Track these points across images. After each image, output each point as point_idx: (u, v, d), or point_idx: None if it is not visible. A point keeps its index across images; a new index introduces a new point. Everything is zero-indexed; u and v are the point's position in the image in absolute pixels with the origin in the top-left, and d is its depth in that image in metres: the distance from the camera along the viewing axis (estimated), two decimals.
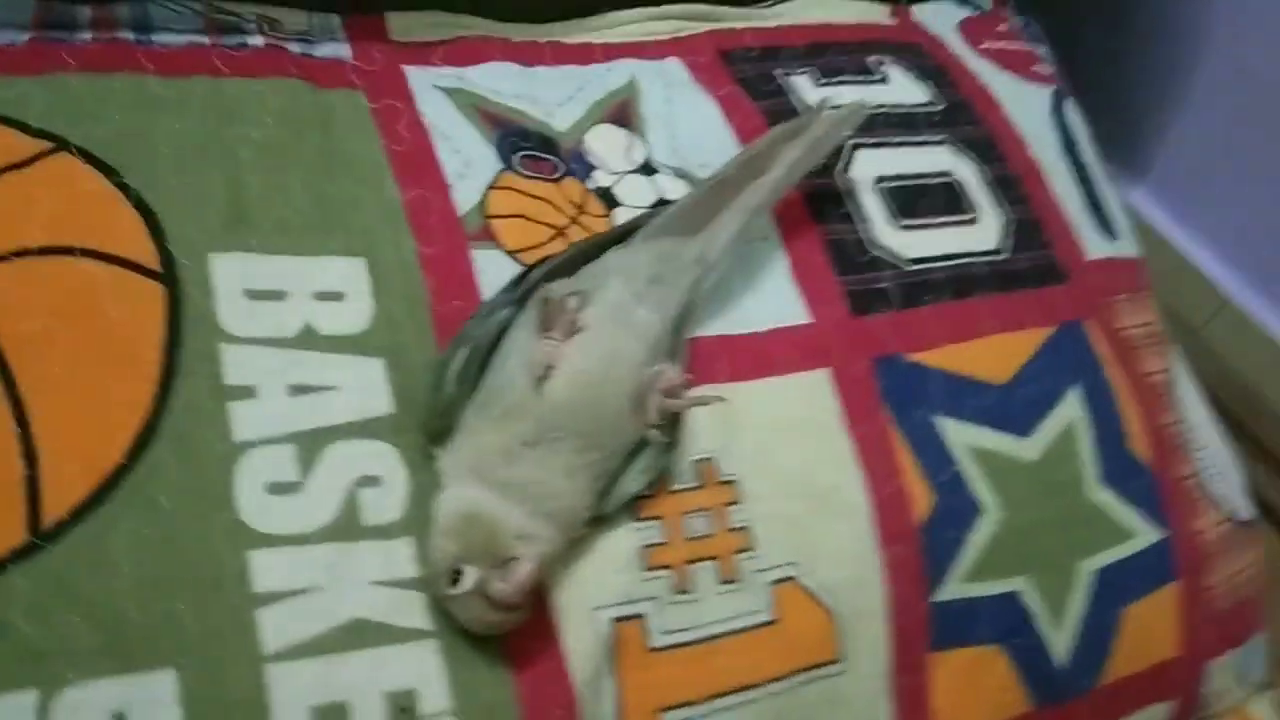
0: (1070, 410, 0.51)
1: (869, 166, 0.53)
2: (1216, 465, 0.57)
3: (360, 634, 0.35)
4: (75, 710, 0.31)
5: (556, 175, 0.47)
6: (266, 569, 0.34)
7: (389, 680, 0.34)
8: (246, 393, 0.37)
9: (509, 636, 0.37)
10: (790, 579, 0.43)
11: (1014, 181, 0.56)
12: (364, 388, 0.39)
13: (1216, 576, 0.52)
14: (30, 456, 0.33)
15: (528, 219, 0.45)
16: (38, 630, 0.31)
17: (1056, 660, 0.47)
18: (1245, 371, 0.77)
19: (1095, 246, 0.57)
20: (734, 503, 0.43)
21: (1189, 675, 0.51)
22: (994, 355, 0.50)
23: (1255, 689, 0.56)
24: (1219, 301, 0.81)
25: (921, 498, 0.46)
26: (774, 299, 0.47)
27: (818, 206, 0.50)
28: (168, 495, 0.34)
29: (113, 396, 0.35)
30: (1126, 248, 0.60)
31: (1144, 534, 0.50)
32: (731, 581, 0.41)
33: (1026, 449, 0.49)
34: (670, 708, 0.39)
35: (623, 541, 0.40)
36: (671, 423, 0.41)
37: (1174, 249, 0.85)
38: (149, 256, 0.38)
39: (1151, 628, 0.50)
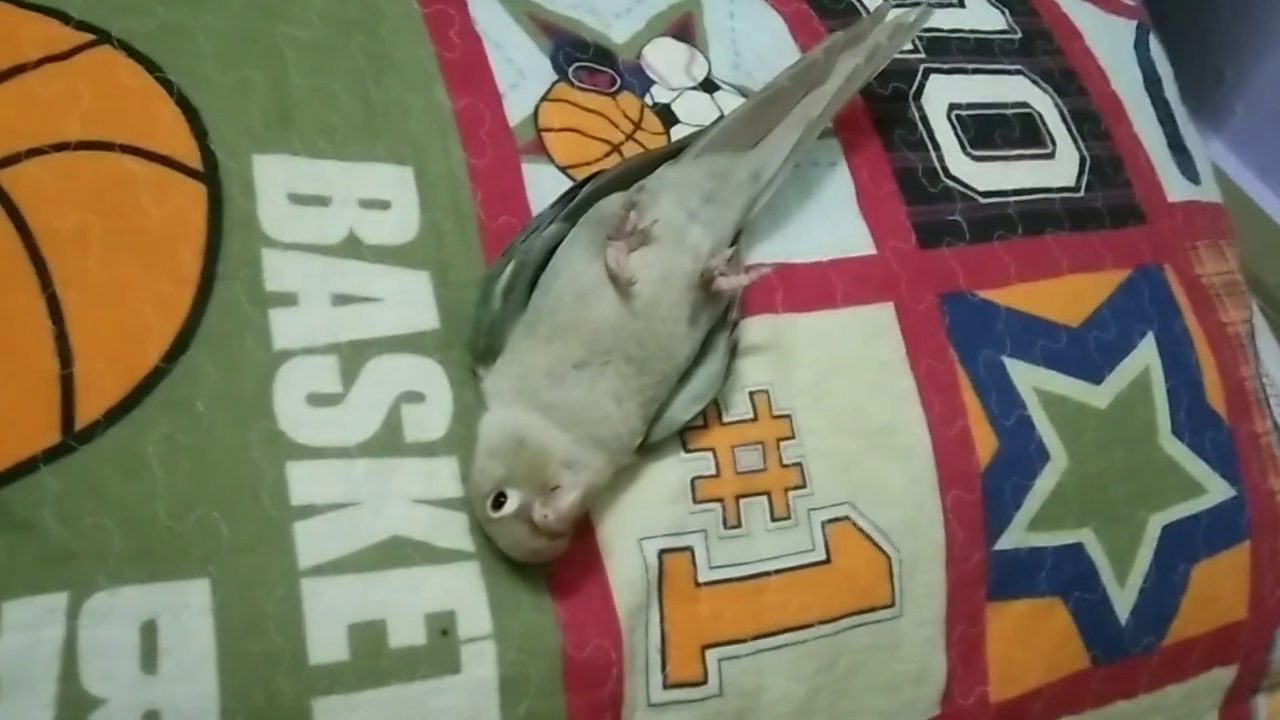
0: (1144, 357, 0.48)
1: (942, 93, 0.50)
2: None
3: (399, 552, 0.33)
4: (105, 615, 0.30)
5: (613, 89, 0.45)
6: (305, 481, 0.33)
7: (428, 600, 0.33)
8: (288, 300, 0.35)
9: (552, 563, 0.35)
10: (844, 519, 0.41)
11: (1094, 116, 0.53)
12: (409, 301, 0.37)
13: None
14: (65, 355, 0.32)
15: (581, 133, 0.43)
16: (68, 532, 0.30)
17: (1119, 617, 0.45)
18: None
19: (1177, 188, 0.54)
20: (788, 438, 0.41)
21: (1256, 640, 0.49)
22: (1067, 296, 0.48)
23: None
24: None
25: (985, 441, 0.44)
26: (837, 227, 0.45)
27: (887, 132, 0.48)
28: (205, 401, 0.33)
29: (151, 298, 0.34)
30: (1209, 192, 0.57)
31: (1216, 490, 0.48)
32: (783, 518, 0.40)
33: (1097, 396, 0.46)
34: (715, 644, 0.38)
35: (672, 472, 0.38)
36: (728, 351, 0.39)
37: (1251, 203, 0.81)
38: (190, 155, 0.36)
39: (1220, 588, 0.47)
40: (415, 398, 0.36)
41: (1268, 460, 0.50)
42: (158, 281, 0.34)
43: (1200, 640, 0.47)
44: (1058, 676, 0.44)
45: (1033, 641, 0.43)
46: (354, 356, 0.35)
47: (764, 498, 0.40)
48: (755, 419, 0.40)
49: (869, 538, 0.41)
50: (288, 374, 0.34)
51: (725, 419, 0.40)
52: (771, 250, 0.43)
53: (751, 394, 0.41)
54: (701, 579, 0.38)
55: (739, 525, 0.39)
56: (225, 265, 0.35)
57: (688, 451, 0.39)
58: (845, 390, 0.43)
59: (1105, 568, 0.45)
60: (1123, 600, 0.45)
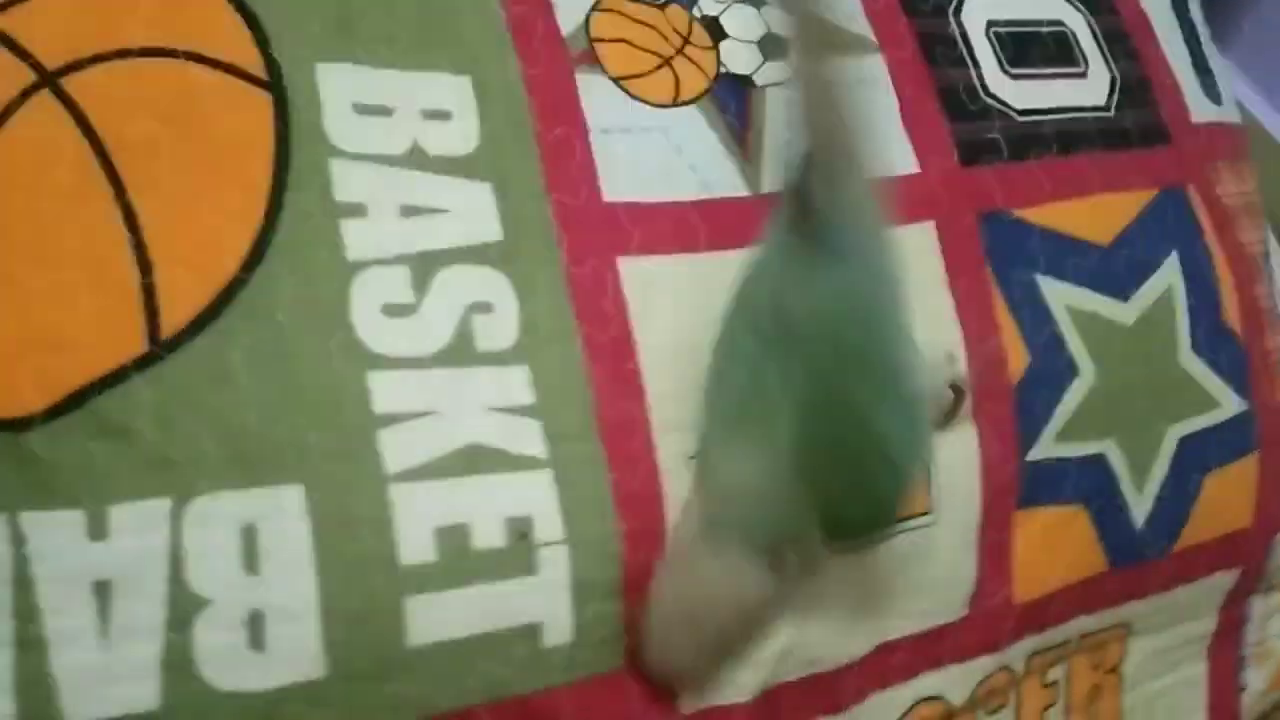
0: (1169, 276, 0.49)
1: (981, 10, 0.50)
2: None
3: (478, 459, 0.34)
4: (207, 519, 0.30)
5: (661, 1, 0.45)
6: (385, 390, 0.34)
7: (507, 505, 0.34)
8: (357, 210, 0.35)
9: (616, 478, 0.36)
10: None
11: (1124, 35, 0.54)
12: (473, 212, 0.37)
13: None
14: (144, 264, 0.32)
15: (632, 45, 0.43)
16: (165, 438, 0.31)
17: (1136, 523, 0.47)
18: None
19: (1201, 109, 0.55)
20: None
21: (1258, 545, 0.51)
22: (1098, 215, 0.49)
23: None
24: None
25: (1019, 356, 0.45)
26: (882, 145, 0.45)
27: (929, 49, 0.48)
28: (284, 311, 0.33)
29: (224, 207, 0.34)
30: (1229, 113, 0.57)
31: (1230, 404, 0.50)
32: None
33: (1124, 312, 0.48)
34: None
35: None
36: None
37: (1255, 123, 0.81)
38: (254, 63, 0.36)
39: (1229, 496, 0.50)
40: (484, 308, 0.36)
41: (1277, 376, 0.52)
42: (229, 191, 0.34)
43: (1208, 545, 0.49)
44: (1077, 579, 0.46)
45: (1056, 547, 0.46)
46: (424, 267, 0.36)
47: None
48: None
49: None
50: (362, 284, 0.35)
51: None
52: None
53: None
54: None
55: None
56: (295, 176, 0.35)
57: None
58: None
59: (1125, 477, 0.47)
60: (1140, 507, 0.47)
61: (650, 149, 0.41)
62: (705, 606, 0.35)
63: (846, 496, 0.35)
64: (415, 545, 0.32)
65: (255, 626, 0.30)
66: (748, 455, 0.34)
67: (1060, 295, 0.46)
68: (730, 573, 0.35)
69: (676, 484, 0.38)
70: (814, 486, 0.34)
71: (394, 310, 0.35)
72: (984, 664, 0.45)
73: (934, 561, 0.43)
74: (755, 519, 0.35)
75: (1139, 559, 0.48)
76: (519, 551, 0.34)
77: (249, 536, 0.31)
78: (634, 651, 0.36)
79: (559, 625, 0.34)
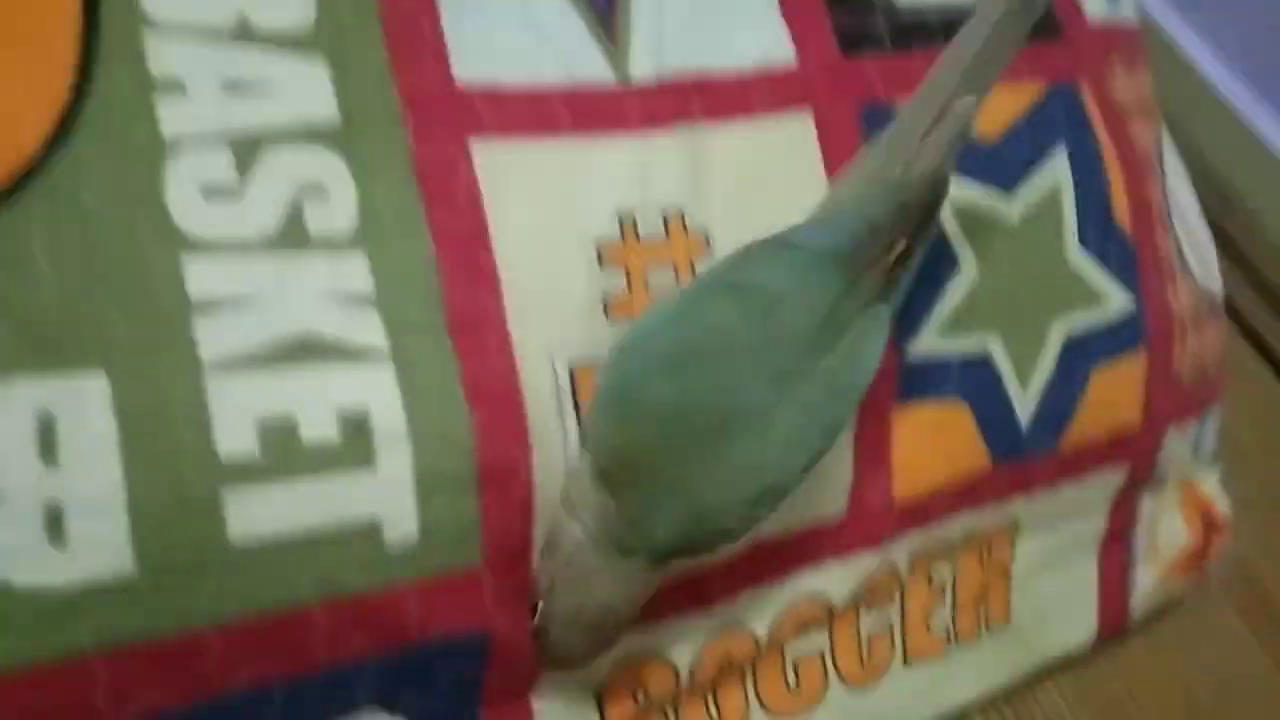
0: (1056, 172, 0.49)
1: None
2: (1193, 240, 0.56)
3: (306, 348, 0.32)
4: None
5: None
6: (203, 275, 0.32)
7: (340, 397, 0.32)
8: (175, 86, 0.33)
9: (466, 369, 0.35)
10: None
11: None
12: (306, 90, 0.35)
13: (1182, 348, 0.52)
14: None
15: None
16: None
17: (1020, 419, 0.47)
18: (1224, 168, 0.76)
19: (1094, 7, 0.54)
20: (701, 256, 0.40)
21: (1147, 441, 0.51)
22: (984, 109, 0.47)
23: (1207, 462, 0.57)
24: (1205, 95, 0.78)
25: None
26: (757, 30, 0.44)
27: None
28: (91, 192, 0.31)
29: (26, 83, 0.31)
30: (1127, 14, 0.56)
31: (1117, 300, 0.49)
32: None
33: (1009, 207, 0.47)
34: None
35: (584, 290, 0.38)
36: None
37: (1161, 31, 0.81)
38: None
39: (1116, 392, 0.49)
40: (317, 191, 0.34)
41: (1167, 274, 0.52)
42: (33, 66, 0.32)
43: (1095, 442, 0.49)
44: (959, 476, 0.46)
45: (937, 443, 0.45)
46: (248, 147, 0.33)
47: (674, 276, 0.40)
48: (668, 238, 0.40)
49: None
50: (178, 163, 0.32)
51: (641, 237, 0.39)
52: (687, 54, 0.42)
53: (664, 212, 0.40)
54: None
55: None
56: (105, 48, 0.32)
57: (600, 269, 0.38)
58: (762, 204, 0.42)
59: (1009, 373, 0.46)
60: (1024, 404, 0.47)
61: (506, 27, 0.39)
62: (601, 612, 0.35)
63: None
64: (234, 437, 0.31)
65: (54, 520, 0.28)
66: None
67: None
68: (624, 580, 0.35)
69: (535, 378, 0.36)
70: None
71: (213, 192, 0.33)
72: (866, 561, 0.44)
73: None
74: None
75: (1024, 455, 0.47)
76: (354, 445, 0.32)
77: (46, 425, 0.29)
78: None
79: (402, 522, 0.33)
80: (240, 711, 0.31)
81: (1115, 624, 0.54)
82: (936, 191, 0.37)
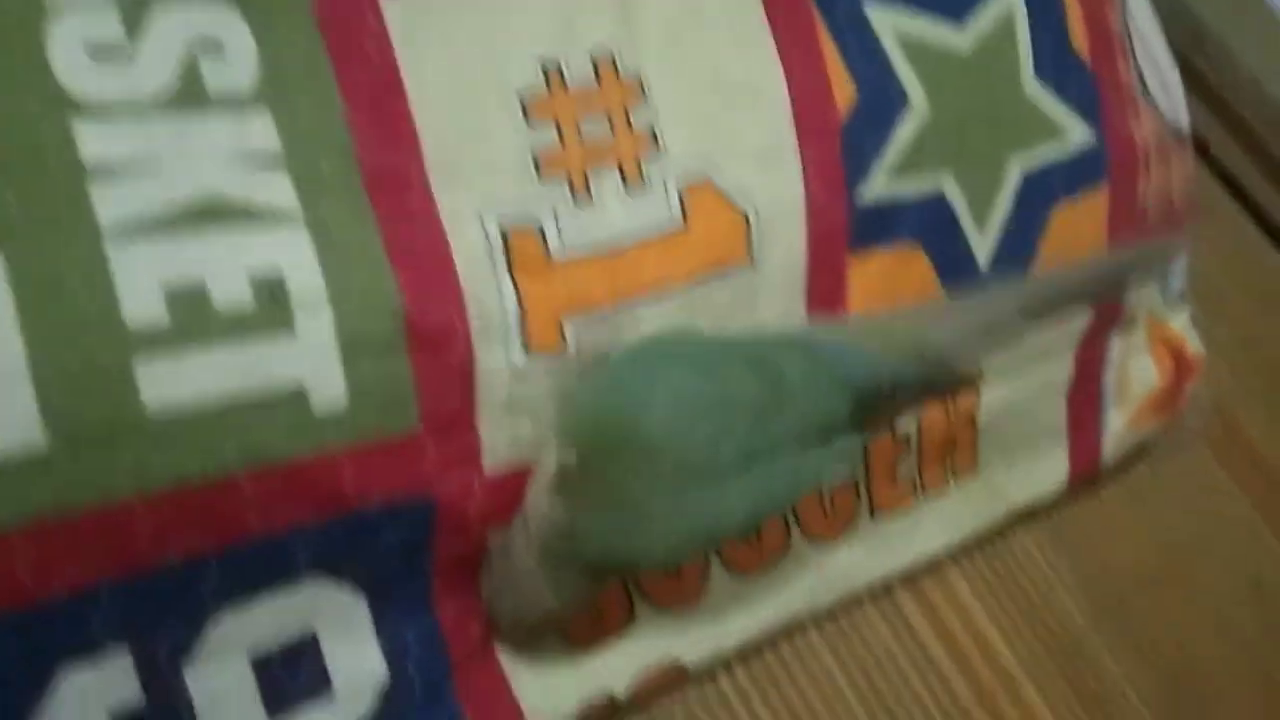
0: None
1: None
2: (1156, 70, 0.54)
3: (214, 211, 0.31)
4: None
5: None
6: (96, 139, 0.30)
7: (252, 261, 0.31)
8: None
9: (386, 230, 0.33)
10: (701, 181, 0.39)
11: None
12: None
13: (1146, 182, 0.50)
14: None
15: None
16: None
17: (979, 262, 0.45)
18: (1194, 2, 0.73)
19: None
20: (636, 103, 0.39)
21: None
22: None
23: (1175, 301, 0.56)
24: None
25: (844, 91, 0.42)
26: None
27: None
28: None
29: None
30: None
31: (1077, 133, 0.47)
32: (635, 187, 0.38)
33: (959, 38, 0.45)
34: (574, 314, 0.37)
35: (511, 146, 0.36)
36: None
37: None
38: None
39: (1079, 230, 0.48)
40: (214, 47, 0.32)
41: (1128, 104, 0.50)
42: None
43: None
44: None
45: (894, 290, 0.44)
46: (136, 4, 0.31)
47: (614, 168, 0.38)
48: (599, 85, 0.38)
49: (726, 198, 0.40)
50: (61, 25, 0.30)
51: (569, 86, 0.37)
52: None
53: (594, 57, 0.38)
54: (554, 254, 0.37)
55: (590, 198, 0.37)
56: None
57: (528, 122, 0.37)
58: (697, 45, 0.40)
59: (964, 213, 0.45)
60: (982, 245, 0.45)
61: None
62: (542, 615, 0.36)
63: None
64: (142, 305, 0.29)
65: None
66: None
67: (888, 21, 0.43)
68: (562, 588, 0.35)
69: (464, 239, 0.35)
70: None
71: (102, 52, 0.31)
72: None
73: (760, 312, 0.41)
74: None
75: None
76: (271, 311, 0.31)
77: None
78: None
79: (328, 387, 0.32)
80: (177, 583, 0.30)
81: (1087, 468, 0.53)
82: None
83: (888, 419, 0.37)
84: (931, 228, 0.44)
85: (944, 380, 0.39)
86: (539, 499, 0.35)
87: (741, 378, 0.35)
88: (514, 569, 0.35)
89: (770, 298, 0.41)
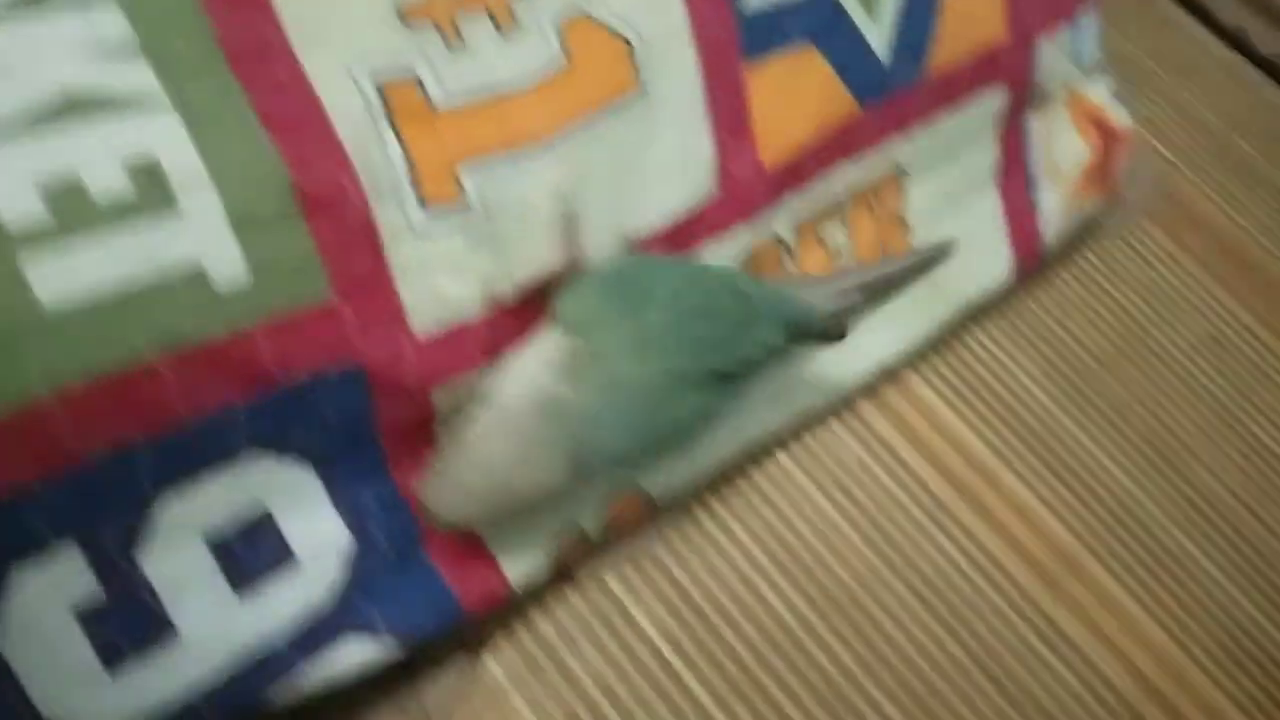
0: None
1: None
2: None
3: (74, 104, 0.31)
4: None
5: None
6: None
7: (122, 148, 0.31)
8: None
9: (257, 100, 0.33)
10: (576, 16, 0.39)
11: None
12: None
13: None
14: None
15: None
16: None
17: (877, 53, 0.45)
18: None
19: None
20: None
21: (1018, 55, 0.50)
22: None
23: (1092, 72, 0.56)
24: None
25: None
26: None
27: None
28: None
29: None
30: None
31: None
32: (509, 30, 0.38)
33: None
34: (466, 163, 0.36)
35: None
36: None
37: None
38: None
39: (974, 8, 0.47)
40: None
41: None
42: None
43: (962, 65, 0.48)
44: (827, 126, 0.44)
45: (796, 97, 0.43)
46: None
47: (483, 12, 0.37)
48: None
49: (608, 27, 0.39)
50: None
51: None
52: None
53: None
54: (437, 103, 0.36)
55: (462, 44, 0.37)
56: None
57: None
58: None
59: (853, 4, 0.44)
60: (878, 36, 0.45)
61: None
62: (520, 486, 0.35)
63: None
64: (18, 206, 0.29)
65: None
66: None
67: None
68: (555, 465, 0.35)
69: (339, 99, 0.34)
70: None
71: None
72: (740, 236, 0.43)
73: (660, 143, 0.40)
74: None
75: (890, 91, 0.46)
76: (153, 196, 0.31)
77: None
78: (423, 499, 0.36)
79: (227, 265, 0.32)
80: (111, 474, 0.30)
81: (1030, 253, 0.53)
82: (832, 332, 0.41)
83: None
84: (822, 25, 0.43)
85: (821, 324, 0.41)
86: (543, 370, 0.35)
87: (722, 293, 0.37)
88: (496, 421, 0.35)
89: (670, 125, 0.40)
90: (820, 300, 0.41)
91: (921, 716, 0.45)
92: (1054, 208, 0.54)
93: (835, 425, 0.51)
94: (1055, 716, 0.46)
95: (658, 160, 0.40)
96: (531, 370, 0.35)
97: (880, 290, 0.43)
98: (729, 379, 0.37)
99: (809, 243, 0.46)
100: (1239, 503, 0.54)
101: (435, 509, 0.36)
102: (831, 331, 0.41)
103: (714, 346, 0.36)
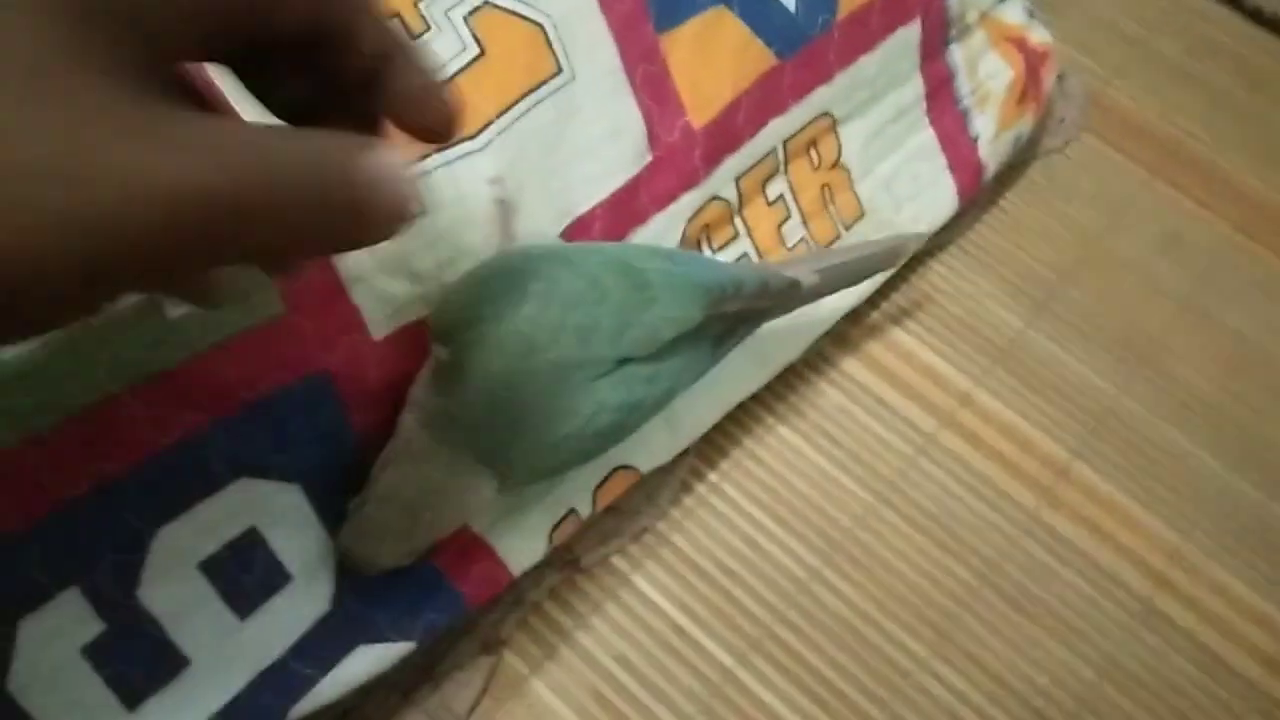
0: None
1: None
2: None
3: None
4: None
5: None
6: None
7: None
8: None
9: None
10: (480, 5, 0.40)
11: None
12: None
13: None
14: None
15: None
16: None
17: (785, 4, 0.46)
18: None
19: None
20: None
21: None
22: None
23: None
24: None
25: None
26: None
27: None
28: None
29: None
30: None
31: None
32: (420, 31, 0.38)
33: None
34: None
35: None
36: None
37: None
38: None
39: None
40: None
41: None
42: None
43: (873, 4, 0.48)
44: (749, 82, 0.45)
45: (714, 58, 0.44)
46: None
47: (394, 19, 0.38)
48: None
49: (515, 14, 0.40)
50: None
51: None
52: None
53: None
54: None
55: None
56: None
57: None
58: None
59: None
60: None
61: None
62: (430, 510, 0.34)
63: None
64: None
65: None
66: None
67: None
68: (461, 481, 0.34)
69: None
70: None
71: None
72: (687, 201, 0.44)
73: (588, 119, 0.41)
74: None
75: (805, 41, 0.46)
76: None
77: None
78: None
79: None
80: (98, 513, 0.31)
81: (972, 179, 0.54)
82: (788, 296, 0.41)
83: (727, 321, 0.39)
84: None
85: (776, 287, 0.41)
86: (424, 386, 0.35)
87: (607, 275, 0.35)
88: (402, 451, 0.35)
89: (596, 104, 0.41)
90: (770, 271, 0.42)
91: (942, 643, 0.46)
92: (989, 131, 0.55)
93: (811, 376, 0.52)
94: (1071, 621, 0.47)
95: (589, 137, 0.41)
96: (417, 390, 0.35)
97: (842, 277, 0.44)
98: (642, 362, 0.35)
99: (753, 199, 0.47)
100: (1217, 387, 0.54)
101: (356, 554, 0.35)
102: (785, 292, 0.41)
103: (601, 332, 0.34)
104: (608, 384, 0.35)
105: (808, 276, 0.42)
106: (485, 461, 0.34)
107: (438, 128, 0.25)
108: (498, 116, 0.39)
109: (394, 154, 0.20)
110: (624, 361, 0.35)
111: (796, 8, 0.46)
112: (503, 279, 0.34)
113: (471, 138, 0.38)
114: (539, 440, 0.34)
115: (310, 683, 0.35)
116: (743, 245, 0.47)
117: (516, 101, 0.40)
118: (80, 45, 0.17)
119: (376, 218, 0.20)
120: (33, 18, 0.17)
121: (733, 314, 0.39)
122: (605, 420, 0.35)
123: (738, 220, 0.47)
